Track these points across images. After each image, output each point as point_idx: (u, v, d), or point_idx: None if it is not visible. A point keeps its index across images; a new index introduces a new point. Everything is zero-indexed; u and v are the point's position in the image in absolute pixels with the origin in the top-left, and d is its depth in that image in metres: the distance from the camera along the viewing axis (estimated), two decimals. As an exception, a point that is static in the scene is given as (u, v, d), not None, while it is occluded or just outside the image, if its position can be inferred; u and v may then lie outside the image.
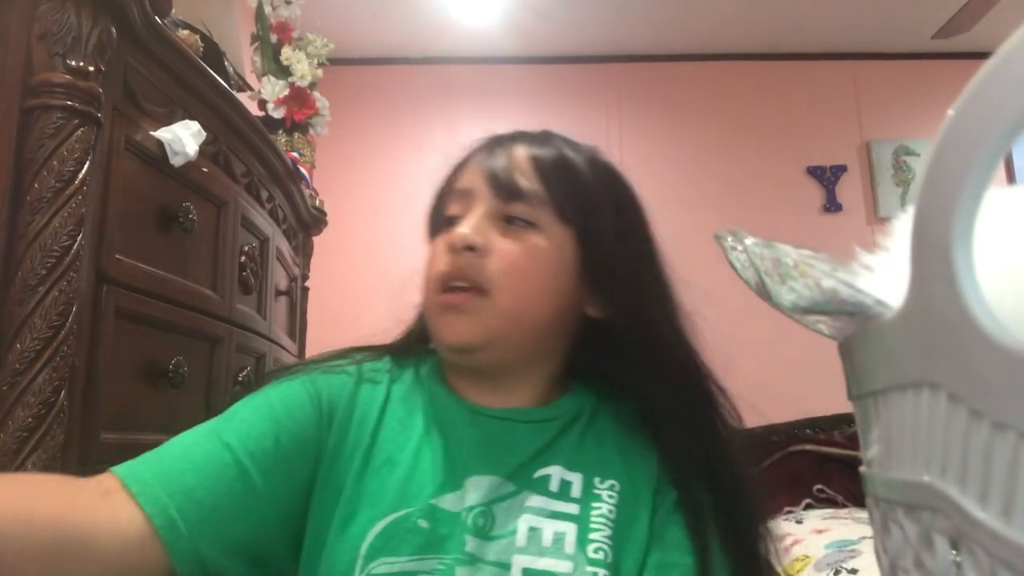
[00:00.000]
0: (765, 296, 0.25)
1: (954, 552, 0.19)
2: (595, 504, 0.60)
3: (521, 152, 0.64)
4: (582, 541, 0.58)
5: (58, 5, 0.72)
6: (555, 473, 0.61)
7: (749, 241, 0.24)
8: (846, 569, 1.72)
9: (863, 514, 2.39)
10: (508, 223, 0.62)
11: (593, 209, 0.63)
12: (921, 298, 0.20)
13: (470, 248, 0.60)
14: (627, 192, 0.68)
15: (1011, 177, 3.61)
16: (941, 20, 2.81)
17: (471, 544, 0.57)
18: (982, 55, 0.17)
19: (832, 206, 3.73)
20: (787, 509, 2.65)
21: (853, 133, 3.83)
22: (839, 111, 3.84)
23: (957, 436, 0.19)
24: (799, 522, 2.38)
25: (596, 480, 0.61)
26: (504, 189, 0.62)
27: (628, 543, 0.59)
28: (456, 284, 0.60)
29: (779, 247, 0.23)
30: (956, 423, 0.19)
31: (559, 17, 3.31)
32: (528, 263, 0.61)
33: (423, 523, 0.57)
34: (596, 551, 0.57)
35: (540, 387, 0.65)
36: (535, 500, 0.60)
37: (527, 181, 0.62)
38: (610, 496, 0.61)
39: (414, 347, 0.70)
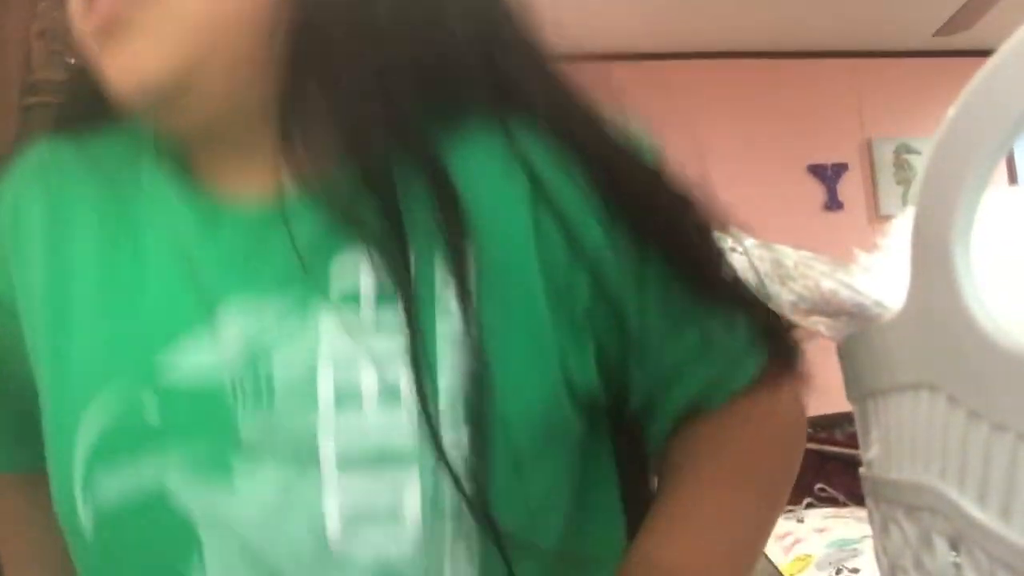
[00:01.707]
0: (765, 297, 0.25)
1: (953, 553, 0.19)
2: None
3: None
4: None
5: (57, 3, 0.72)
6: (360, 272, 0.38)
7: (749, 243, 0.24)
8: (847, 568, 1.72)
9: (864, 513, 2.38)
10: None
11: None
12: (920, 299, 0.20)
13: None
14: None
15: (1013, 177, 3.60)
16: (943, 18, 2.81)
17: (246, 425, 0.37)
18: (984, 53, 0.17)
19: (833, 204, 3.73)
20: (788, 508, 2.65)
21: (854, 131, 3.83)
22: (840, 109, 3.84)
23: (956, 437, 0.19)
24: (800, 521, 2.38)
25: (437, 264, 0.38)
26: None
27: (511, 349, 0.38)
28: None
29: (778, 248, 0.23)
30: (955, 424, 0.19)
31: (555, 15, 3.31)
32: None
33: (152, 406, 0.38)
34: (451, 393, 0.37)
35: None
36: (332, 324, 0.38)
37: None
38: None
39: (95, 117, 0.45)
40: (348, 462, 0.37)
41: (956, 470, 0.19)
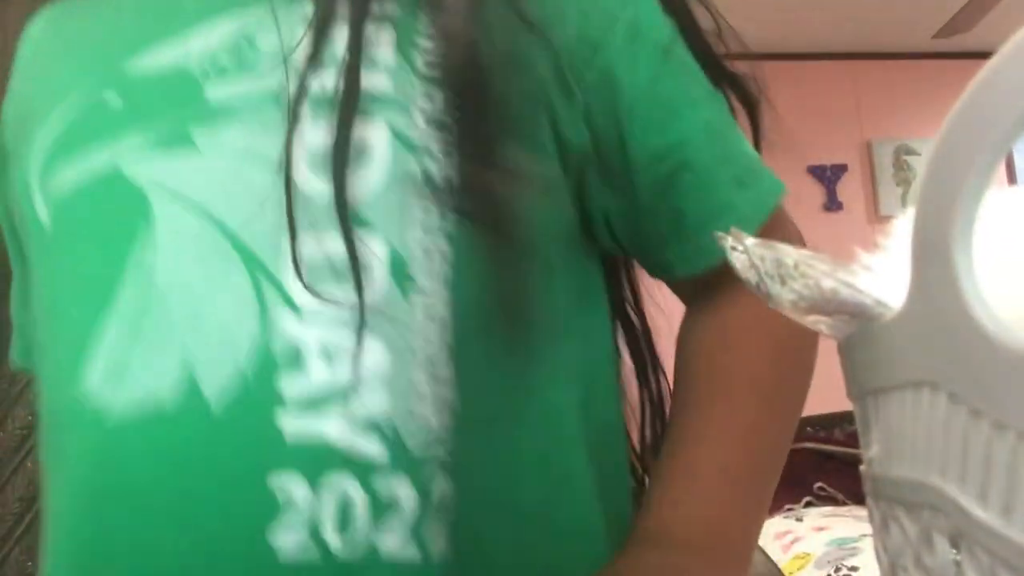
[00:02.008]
0: (766, 296, 0.25)
1: (954, 551, 0.19)
2: None
3: None
4: (404, 43, 0.38)
5: None
6: None
7: (749, 241, 0.24)
8: (847, 566, 1.72)
9: (864, 512, 2.40)
10: None
11: None
12: (921, 298, 0.20)
13: None
14: None
15: (1012, 178, 3.61)
16: (942, 20, 2.81)
17: (214, 95, 0.38)
18: (983, 55, 0.17)
19: (833, 205, 3.73)
20: (787, 507, 2.65)
21: (854, 132, 3.84)
22: (840, 110, 3.84)
23: (957, 436, 0.19)
24: (799, 520, 2.38)
25: None
26: None
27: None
28: None
29: (779, 247, 0.23)
30: (956, 423, 0.19)
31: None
32: None
33: (115, 98, 0.39)
34: (430, 63, 0.37)
35: None
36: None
37: None
38: None
39: None
40: (318, 106, 0.37)
41: (957, 468, 0.19)
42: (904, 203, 3.72)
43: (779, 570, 1.37)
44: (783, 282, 0.22)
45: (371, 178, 0.37)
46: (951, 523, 0.19)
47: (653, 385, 0.54)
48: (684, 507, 0.42)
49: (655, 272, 0.48)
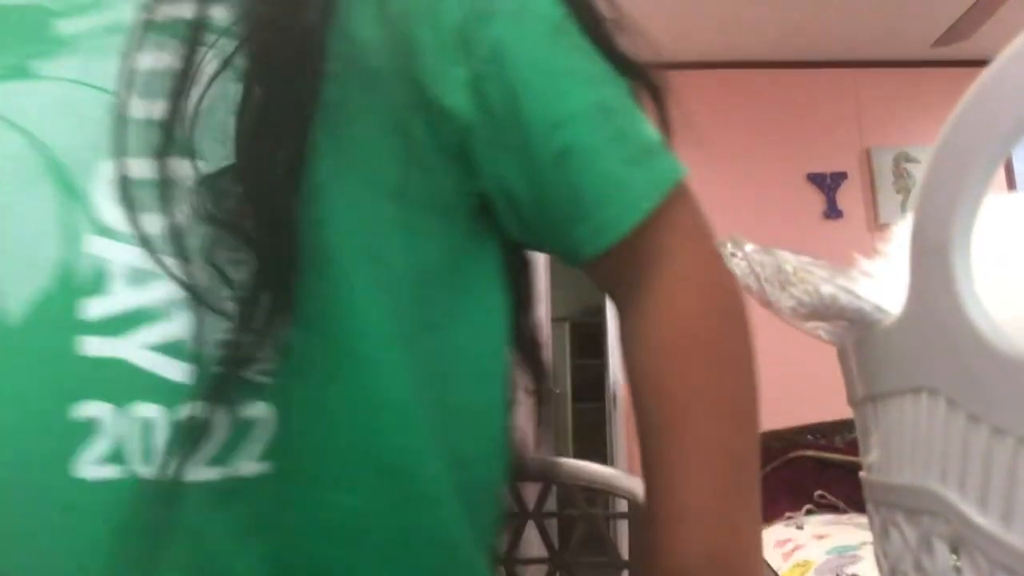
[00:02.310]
0: (765, 302, 0.25)
1: (954, 556, 0.19)
2: None
3: None
4: None
5: None
6: None
7: (749, 248, 0.24)
8: (847, 574, 1.72)
9: (864, 519, 2.38)
10: None
11: None
12: (920, 304, 0.20)
13: None
14: None
15: (1011, 183, 3.62)
16: (941, 28, 2.82)
17: (64, 24, 0.39)
18: (982, 63, 0.17)
19: (833, 213, 3.74)
20: (788, 515, 2.65)
21: (853, 140, 3.84)
22: (839, 118, 3.85)
23: (956, 441, 0.19)
24: (800, 527, 2.37)
25: None
26: None
27: None
28: None
29: (779, 254, 0.23)
30: (955, 428, 0.19)
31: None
32: None
33: None
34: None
35: None
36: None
37: None
38: None
39: None
40: (156, 34, 0.38)
41: (956, 474, 0.19)
42: (904, 211, 3.72)
43: (780, 578, 1.36)
44: (783, 288, 0.22)
45: (200, 105, 0.37)
46: (951, 529, 0.19)
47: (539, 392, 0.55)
48: (690, 549, 0.42)
49: (571, 259, 0.47)
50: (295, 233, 0.37)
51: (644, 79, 0.49)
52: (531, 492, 0.82)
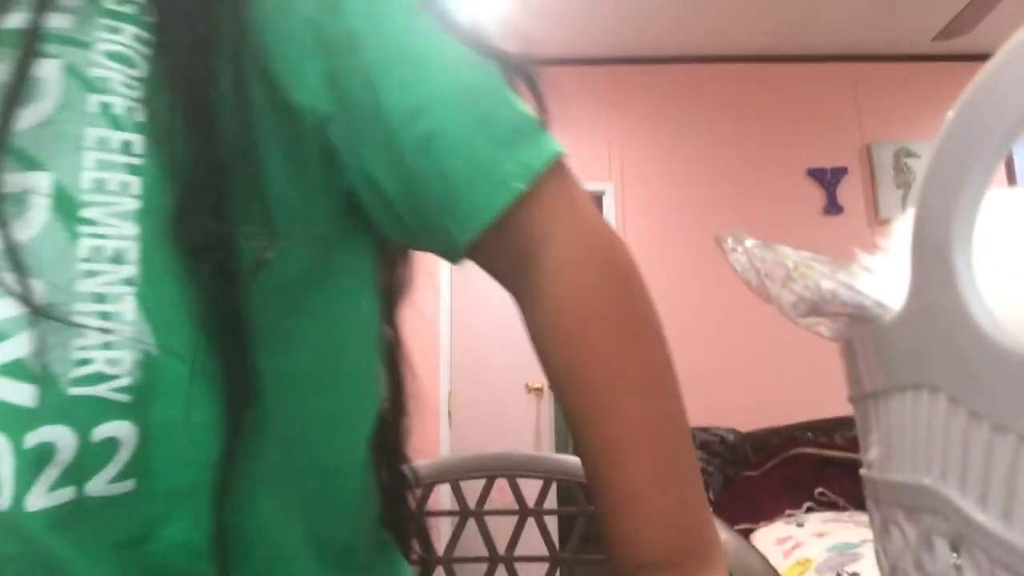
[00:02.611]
0: (765, 298, 0.25)
1: (954, 554, 0.19)
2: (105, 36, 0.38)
3: None
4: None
5: None
6: None
7: (749, 243, 0.24)
8: (847, 572, 1.72)
9: (864, 517, 2.40)
10: None
11: None
12: (921, 300, 0.20)
13: None
14: None
15: (1012, 178, 3.61)
16: (942, 22, 2.81)
17: None
18: (983, 57, 0.17)
19: (833, 208, 3.73)
20: (788, 512, 2.65)
21: (854, 135, 3.84)
22: (840, 113, 3.85)
23: (957, 438, 0.19)
24: (800, 525, 2.38)
25: None
26: None
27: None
28: None
29: (779, 249, 0.23)
30: (956, 425, 0.19)
31: (559, 19, 3.32)
32: None
33: None
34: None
35: None
36: None
37: None
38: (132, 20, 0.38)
39: None
40: None
41: (957, 471, 0.19)
42: (904, 206, 3.72)
43: None
44: (783, 284, 0.22)
45: (40, 114, 0.36)
46: (951, 526, 0.19)
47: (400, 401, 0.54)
48: (650, 533, 0.41)
49: (449, 254, 0.45)
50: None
51: (514, 66, 0.47)
52: (531, 489, 0.82)
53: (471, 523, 0.81)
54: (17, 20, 0.37)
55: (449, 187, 0.42)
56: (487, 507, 0.82)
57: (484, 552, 0.80)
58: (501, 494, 0.82)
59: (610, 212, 3.54)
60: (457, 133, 0.42)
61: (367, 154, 0.43)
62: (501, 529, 0.78)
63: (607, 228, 0.46)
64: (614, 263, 0.44)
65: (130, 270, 0.35)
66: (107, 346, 0.34)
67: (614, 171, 3.56)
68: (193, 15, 0.39)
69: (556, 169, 0.44)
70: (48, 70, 0.36)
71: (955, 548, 0.19)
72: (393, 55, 0.42)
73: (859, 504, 2.47)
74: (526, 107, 0.46)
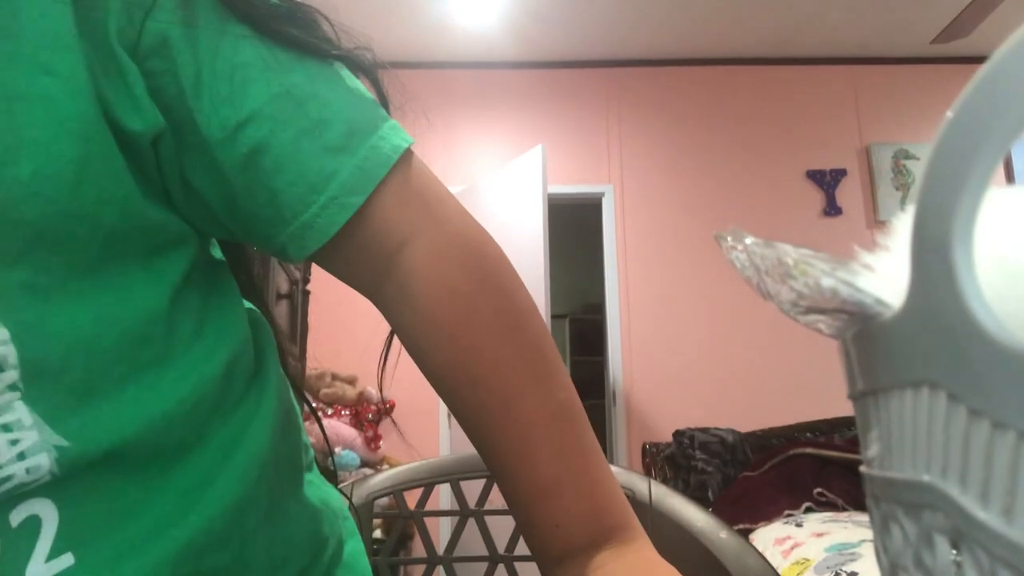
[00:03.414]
0: (765, 295, 0.25)
1: (954, 552, 0.19)
2: None
3: None
4: None
5: None
6: None
7: (749, 240, 0.24)
8: (846, 572, 1.72)
9: (863, 517, 2.40)
10: None
11: None
12: (921, 297, 0.20)
13: None
14: None
15: (1010, 178, 3.62)
16: (940, 25, 2.82)
17: None
18: (981, 59, 0.17)
19: (832, 210, 3.74)
20: (787, 512, 2.65)
21: (853, 137, 3.84)
22: (839, 115, 3.85)
23: (957, 435, 0.19)
24: (799, 525, 2.38)
25: None
26: None
27: None
28: None
29: (779, 246, 0.23)
30: (956, 422, 0.19)
31: (559, 21, 3.32)
32: None
33: None
34: None
35: None
36: None
37: None
38: None
39: None
40: None
41: (957, 468, 0.19)
42: (903, 208, 3.72)
43: None
44: (783, 281, 0.22)
45: None
46: (951, 524, 0.19)
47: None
48: (571, 520, 0.41)
49: (284, 258, 0.43)
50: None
51: (355, 64, 0.44)
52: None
53: (471, 523, 0.81)
54: None
55: (279, 207, 0.40)
56: (487, 507, 0.82)
57: (484, 552, 0.80)
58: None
59: (610, 213, 3.54)
60: (282, 149, 0.39)
61: (189, 164, 0.40)
62: (501, 529, 0.78)
63: (469, 218, 0.44)
64: (483, 254, 0.43)
65: (12, 375, 0.33)
66: (21, 456, 0.33)
67: (614, 172, 3.56)
68: None
69: (402, 166, 0.42)
70: None
71: (955, 545, 0.19)
72: (207, 66, 0.39)
73: (858, 504, 2.47)
74: (366, 100, 0.43)
